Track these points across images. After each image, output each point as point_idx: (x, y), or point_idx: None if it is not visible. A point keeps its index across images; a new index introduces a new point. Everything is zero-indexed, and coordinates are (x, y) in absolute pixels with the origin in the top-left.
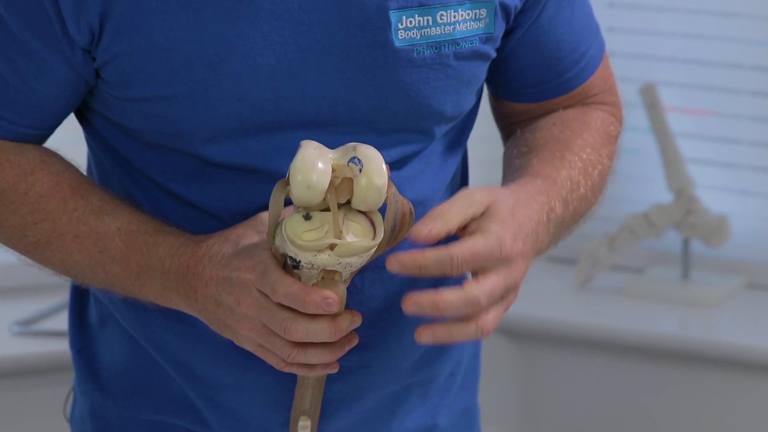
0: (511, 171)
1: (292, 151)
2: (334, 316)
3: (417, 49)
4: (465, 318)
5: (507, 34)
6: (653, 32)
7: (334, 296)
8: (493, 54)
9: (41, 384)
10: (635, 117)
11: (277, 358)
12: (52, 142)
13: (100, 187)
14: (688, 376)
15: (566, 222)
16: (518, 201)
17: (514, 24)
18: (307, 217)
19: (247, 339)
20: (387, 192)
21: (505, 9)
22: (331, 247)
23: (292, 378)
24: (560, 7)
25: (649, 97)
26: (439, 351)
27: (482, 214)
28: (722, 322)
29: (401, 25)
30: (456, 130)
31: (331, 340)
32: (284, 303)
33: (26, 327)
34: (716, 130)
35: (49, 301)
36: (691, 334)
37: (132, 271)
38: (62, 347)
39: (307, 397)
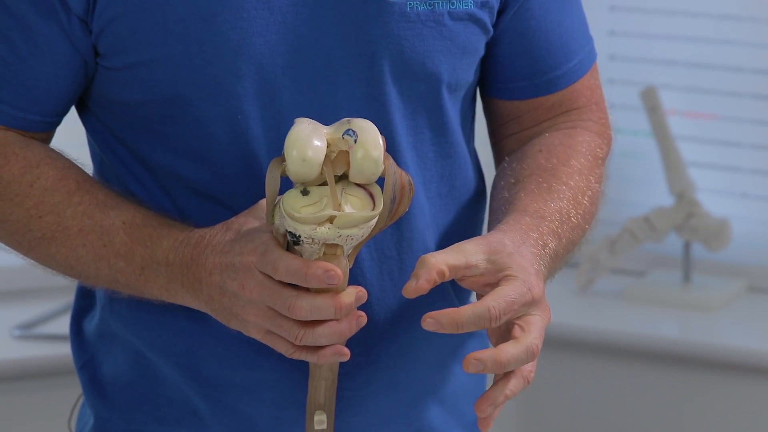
0: (499, 205)
1: (289, 113)
2: (338, 293)
3: (410, 4)
4: (509, 373)
5: (498, 14)
6: (654, 35)
7: (335, 268)
8: (489, 27)
9: (42, 388)
10: (636, 120)
11: (286, 343)
12: (55, 144)
13: (105, 184)
14: (689, 379)
15: (560, 254)
16: (514, 241)
17: (504, 3)
18: (305, 192)
19: (255, 326)
20: (384, 163)
21: None
22: (331, 220)
23: (302, 374)
24: None
25: (650, 100)
26: (452, 358)
27: (491, 263)
28: (723, 325)
29: None
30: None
31: (337, 317)
32: (286, 280)
33: (27, 330)
34: (717, 134)
35: (51, 304)
36: (692, 337)
37: (136, 265)
38: (63, 351)
39: (321, 389)
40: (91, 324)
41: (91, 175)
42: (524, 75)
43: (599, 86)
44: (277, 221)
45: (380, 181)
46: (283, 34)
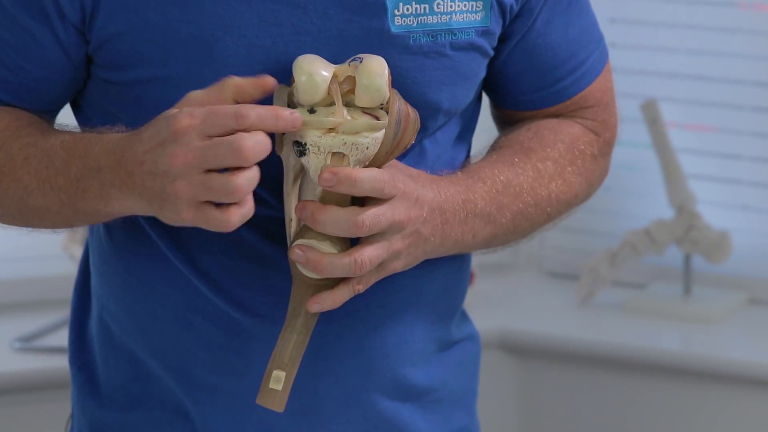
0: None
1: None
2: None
3: (413, 36)
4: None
5: (503, 41)
6: (655, 48)
7: (299, 117)
8: (490, 52)
9: (42, 400)
10: (636, 132)
11: (220, 211)
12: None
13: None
14: (690, 392)
15: (502, 225)
16: (418, 175)
17: (510, 31)
18: (312, 111)
19: (186, 202)
20: (390, 91)
21: (500, 5)
22: (336, 129)
23: (289, 396)
24: (555, 12)
25: (651, 112)
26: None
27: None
28: (724, 338)
29: (398, 11)
30: (459, 124)
31: (278, 125)
32: (257, 123)
33: (27, 343)
34: (718, 146)
35: (50, 317)
36: (692, 350)
37: (73, 178)
38: (63, 364)
39: (290, 345)
40: (89, 325)
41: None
42: (533, 89)
43: (611, 86)
44: (285, 147)
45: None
46: (285, 64)
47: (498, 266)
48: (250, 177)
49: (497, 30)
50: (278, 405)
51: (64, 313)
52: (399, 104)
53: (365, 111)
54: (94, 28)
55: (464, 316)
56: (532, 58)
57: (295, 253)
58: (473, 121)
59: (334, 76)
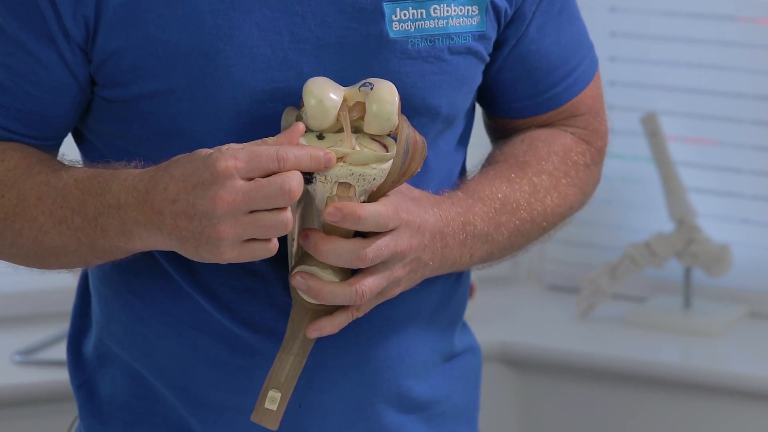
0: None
1: None
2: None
3: (411, 41)
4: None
5: (497, 48)
6: (654, 61)
7: (333, 157)
8: (486, 57)
9: (43, 413)
10: (636, 146)
11: (264, 243)
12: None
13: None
14: (690, 405)
15: (498, 242)
16: (421, 198)
17: (504, 37)
18: (320, 137)
19: (229, 242)
20: (398, 118)
21: (495, 9)
22: (344, 159)
23: (295, 398)
24: (548, 18)
25: (651, 126)
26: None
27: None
28: (724, 351)
29: (395, 17)
30: (458, 131)
31: (325, 162)
32: (294, 168)
33: (28, 356)
34: (718, 160)
35: (51, 330)
36: (693, 363)
37: (90, 216)
38: (64, 377)
39: (287, 365)
40: (89, 344)
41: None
42: (526, 96)
43: (601, 94)
44: None
45: (394, 143)
46: (285, 71)
47: (498, 279)
48: (299, 178)
49: (493, 35)
50: (272, 424)
51: (65, 326)
52: (408, 132)
53: (373, 138)
54: (96, 45)
55: (465, 328)
56: (525, 64)
57: (297, 280)
58: (469, 128)
59: (344, 101)
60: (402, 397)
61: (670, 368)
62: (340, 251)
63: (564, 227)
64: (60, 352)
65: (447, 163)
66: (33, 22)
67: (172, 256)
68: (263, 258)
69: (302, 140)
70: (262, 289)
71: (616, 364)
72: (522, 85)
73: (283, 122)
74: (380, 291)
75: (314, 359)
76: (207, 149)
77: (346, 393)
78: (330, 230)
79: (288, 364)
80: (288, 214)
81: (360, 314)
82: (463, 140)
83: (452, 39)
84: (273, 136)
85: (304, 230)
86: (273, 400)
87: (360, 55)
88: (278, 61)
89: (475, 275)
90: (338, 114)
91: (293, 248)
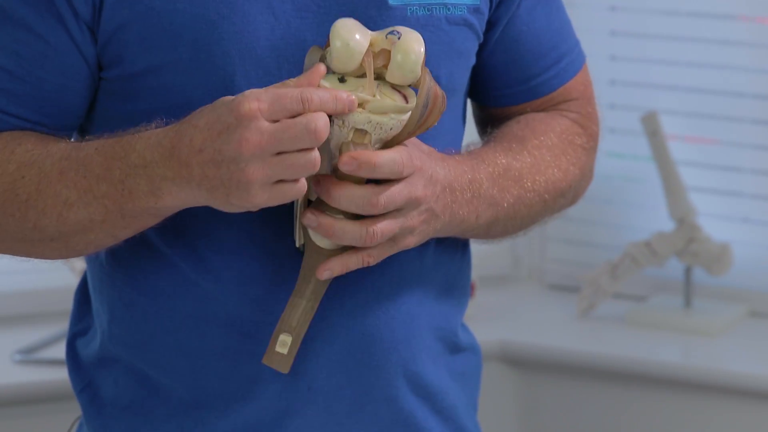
0: None
1: None
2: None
3: (410, 9)
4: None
5: (488, 29)
6: (655, 60)
7: (354, 99)
8: (480, 33)
9: (43, 412)
10: (637, 145)
11: (295, 184)
12: None
13: None
14: (691, 404)
15: (503, 209)
16: (430, 152)
17: (495, 18)
18: (342, 80)
19: (259, 185)
20: (422, 70)
21: None
22: (363, 105)
23: (306, 383)
24: (537, 0)
25: (651, 125)
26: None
27: None
28: (725, 350)
29: None
30: (459, 106)
31: (344, 103)
32: (318, 109)
33: (28, 355)
34: (718, 159)
35: (51, 329)
36: (693, 362)
37: (117, 180)
38: (64, 376)
39: (298, 310)
40: (88, 348)
41: None
42: (519, 80)
43: (590, 84)
44: None
45: (414, 94)
46: (287, 39)
47: (499, 278)
48: (326, 119)
49: (486, 11)
50: (283, 367)
51: (65, 325)
52: (430, 85)
53: (394, 87)
54: (102, 20)
55: (466, 329)
56: (517, 46)
57: (308, 217)
58: (465, 110)
59: (370, 46)
60: (409, 381)
61: (671, 367)
62: (352, 197)
63: (561, 218)
64: (60, 351)
65: (449, 137)
66: (39, 4)
67: (177, 243)
68: (294, 199)
69: (323, 82)
70: (270, 269)
71: (616, 363)
72: (514, 69)
73: (307, 61)
74: (393, 238)
75: (321, 340)
76: (230, 96)
77: (354, 376)
78: (343, 176)
79: (300, 309)
80: (315, 154)
81: (372, 261)
82: (463, 119)
83: (449, 9)
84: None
85: (316, 176)
86: (284, 344)
87: (361, 22)
88: (281, 29)
89: (475, 274)
90: (363, 59)
91: (300, 198)
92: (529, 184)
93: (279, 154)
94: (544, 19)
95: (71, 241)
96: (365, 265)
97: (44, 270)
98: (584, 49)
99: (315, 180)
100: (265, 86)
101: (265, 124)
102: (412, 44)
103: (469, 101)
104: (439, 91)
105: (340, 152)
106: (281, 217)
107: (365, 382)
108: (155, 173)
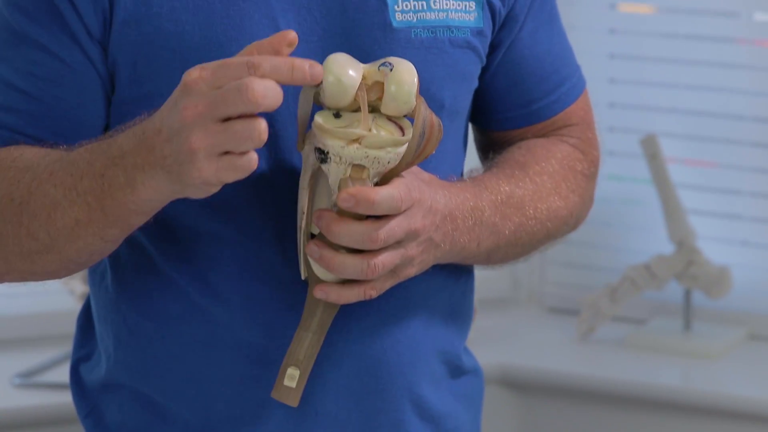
0: None
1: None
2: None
3: (414, 31)
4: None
5: (491, 51)
6: (654, 83)
7: (319, 70)
8: (483, 56)
9: None
10: (636, 168)
11: (241, 157)
12: None
13: None
14: (690, 427)
15: (504, 236)
16: (431, 180)
17: (498, 40)
18: (337, 115)
19: (204, 155)
20: (416, 100)
21: (491, 7)
22: (360, 140)
23: (313, 409)
24: (539, 23)
25: (650, 148)
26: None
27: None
28: (724, 373)
29: (398, 7)
30: (461, 130)
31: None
32: (270, 75)
33: (28, 379)
34: (717, 182)
35: (51, 353)
36: (693, 385)
37: (97, 174)
38: (64, 399)
39: (305, 343)
40: (93, 373)
41: None
42: (520, 104)
43: (590, 109)
44: (306, 146)
45: (410, 125)
46: None
47: (498, 301)
48: (267, 85)
49: (489, 34)
50: (292, 400)
51: (65, 348)
52: (425, 114)
53: (390, 118)
54: (111, 41)
55: (468, 351)
56: (520, 69)
57: (311, 249)
58: (467, 134)
59: (363, 79)
60: (415, 405)
61: (671, 390)
62: (352, 233)
63: (561, 242)
64: (60, 375)
65: (451, 162)
66: (53, 23)
67: (184, 266)
68: (245, 173)
69: (318, 117)
70: (277, 293)
71: (616, 386)
72: (516, 92)
73: (301, 99)
74: (394, 270)
75: (328, 364)
76: None
77: (361, 400)
78: (343, 211)
79: (306, 342)
80: (260, 122)
81: (374, 294)
82: (464, 143)
83: (452, 32)
84: (285, 124)
85: (318, 210)
86: (292, 378)
87: (365, 45)
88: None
89: (475, 297)
90: (356, 94)
91: (302, 222)
92: (530, 211)
93: (224, 122)
94: (546, 43)
95: (63, 250)
96: (367, 298)
97: (43, 293)
98: (583, 72)
99: (317, 214)
100: (271, 112)
101: (205, 90)
102: (405, 75)
103: (470, 125)
104: (435, 119)
105: (339, 188)
106: (289, 242)
107: (371, 406)
108: (129, 162)
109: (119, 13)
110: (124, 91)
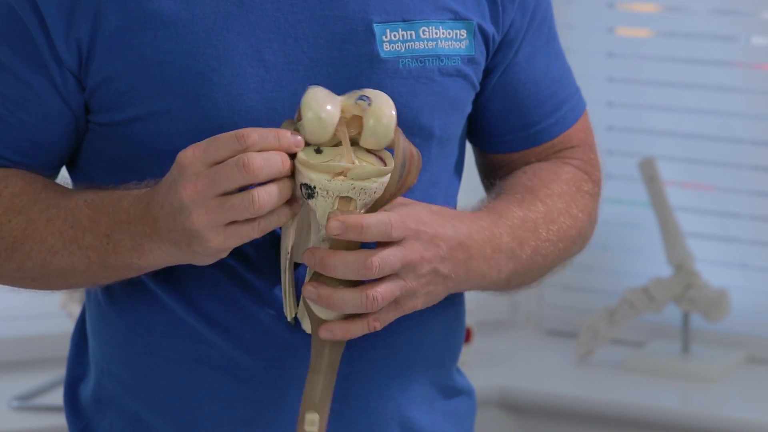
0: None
1: None
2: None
3: (402, 61)
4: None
5: (486, 76)
6: (652, 106)
7: (301, 138)
8: (476, 83)
9: None
10: (634, 191)
11: (247, 225)
12: None
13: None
14: None
15: (523, 261)
16: (441, 211)
17: (493, 64)
18: (318, 151)
19: (210, 229)
20: (395, 132)
21: (483, 34)
22: (344, 173)
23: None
24: (536, 47)
25: (649, 171)
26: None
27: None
28: (723, 396)
29: (386, 37)
30: (453, 157)
31: (284, 170)
32: (258, 145)
33: (25, 402)
34: (715, 205)
35: (49, 375)
36: (691, 408)
37: (102, 233)
38: (61, 422)
39: (318, 386)
40: (86, 391)
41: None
42: (517, 127)
43: (591, 131)
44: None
45: (390, 155)
46: (279, 92)
47: (497, 324)
48: (269, 191)
49: (482, 60)
50: None
51: (62, 371)
52: (404, 145)
53: (369, 150)
54: (91, 69)
55: (459, 372)
56: (516, 93)
57: (308, 290)
58: (462, 159)
59: (342, 114)
60: (405, 427)
61: (669, 413)
62: (347, 263)
63: (568, 264)
64: (57, 397)
65: (444, 190)
66: (24, 48)
67: (171, 287)
68: (253, 238)
69: (300, 153)
70: (265, 315)
71: (614, 409)
72: (513, 116)
73: None
74: (397, 302)
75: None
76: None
77: (351, 423)
78: (336, 245)
79: (319, 384)
80: (260, 191)
81: (378, 326)
82: (458, 170)
83: (442, 60)
84: None
85: (308, 249)
86: (312, 423)
87: (352, 75)
88: (272, 81)
89: (473, 319)
90: (336, 129)
91: (286, 261)
92: (544, 234)
93: (222, 196)
94: (543, 67)
95: (52, 282)
96: (371, 330)
97: (41, 316)
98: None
99: (307, 253)
100: None
101: (201, 169)
102: (383, 109)
103: (470, 147)
104: (414, 150)
105: (328, 221)
106: (275, 262)
107: (362, 428)
108: (137, 230)
109: (101, 43)
110: (106, 116)
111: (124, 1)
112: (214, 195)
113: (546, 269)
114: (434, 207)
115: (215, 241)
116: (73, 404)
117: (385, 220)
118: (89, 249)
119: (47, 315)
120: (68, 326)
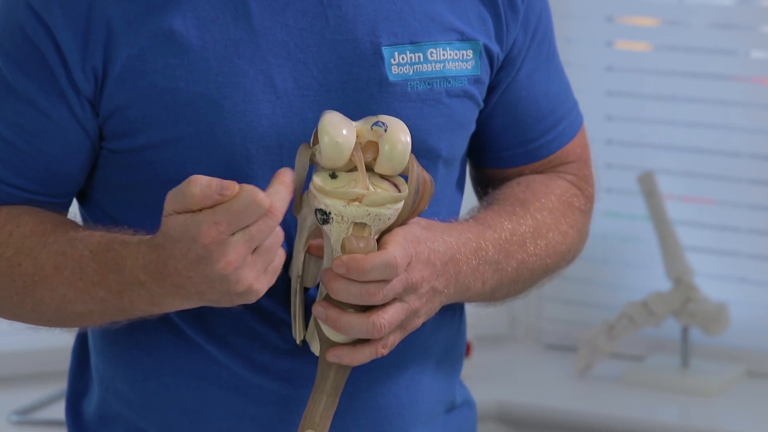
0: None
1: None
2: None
3: (411, 84)
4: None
5: (488, 93)
6: (651, 120)
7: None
8: (481, 101)
9: None
10: (633, 205)
11: (277, 255)
12: None
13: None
14: None
15: (507, 272)
16: (430, 226)
17: (494, 82)
18: (334, 176)
19: (255, 279)
20: (409, 158)
21: (488, 54)
22: (359, 199)
23: None
24: (537, 64)
25: (648, 184)
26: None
27: None
28: (722, 410)
29: (394, 60)
30: (457, 174)
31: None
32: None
33: (25, 416)
34: (715, 218)
35: (48, 389)
36: (691, 422)
37: (114, 290)
38: None
39: (320, 406)
40: (90, 406)
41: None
42: (517, 143)
43: (587, 145)
44: (304, 209)
45: (405, 177)
46: (289, 117)
47: (496, 338)
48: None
49: (486, 79)
50: None
51: (62, 385)
52: (418, 171)
53: (383, 176)
54: (104, 97)
55: (461, 384)
56: (516, 110)
57: (317, 309)
58: (464, 174)
59: (357, 139)
60: None
61: (668, 428)
62: (350, 288)
63: (558, 277)
64: (57, 411)
65: (447, 206)
66: (42, 78)
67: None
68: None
69: (316, 178)
70: (275, 335)
71: (614, 423)
72: (512, 132)
73: (297, 160)
74: (401, 324)
75: None
76: (180, 219)
77: None
78: None
79: (321, 404)
80: (268, 218)
81: (385, 352)
82: (460, 185)
83: (449, 82)
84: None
85: (323, 269)
86: None
87: (362, 99)
88: (283, 107)
89: (472, 334)
90: (352, 154)
91: (297, 284)
92: (531, 248)
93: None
94: (544, 84)
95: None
96: (378, 356)
97: (41, 330)
98: (580, 109)
99: (321, 273)
100: (266, 163)
101: (233, 240)
102: (399, 135)
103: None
104: (427, 176)
105: (342, 246)
106: (285, 284)
107: None
108: (153, 291)
109: (114, 69)
110: (119, 143)
111: (136, 29)
112: (249, 254)
113: (532, 282)
114: (423, 221)
115: (261, 287)
116: (75, 419)
117: (390, 261)
118: (104, 300)
119: (47, 329)
120: (68, 340)
